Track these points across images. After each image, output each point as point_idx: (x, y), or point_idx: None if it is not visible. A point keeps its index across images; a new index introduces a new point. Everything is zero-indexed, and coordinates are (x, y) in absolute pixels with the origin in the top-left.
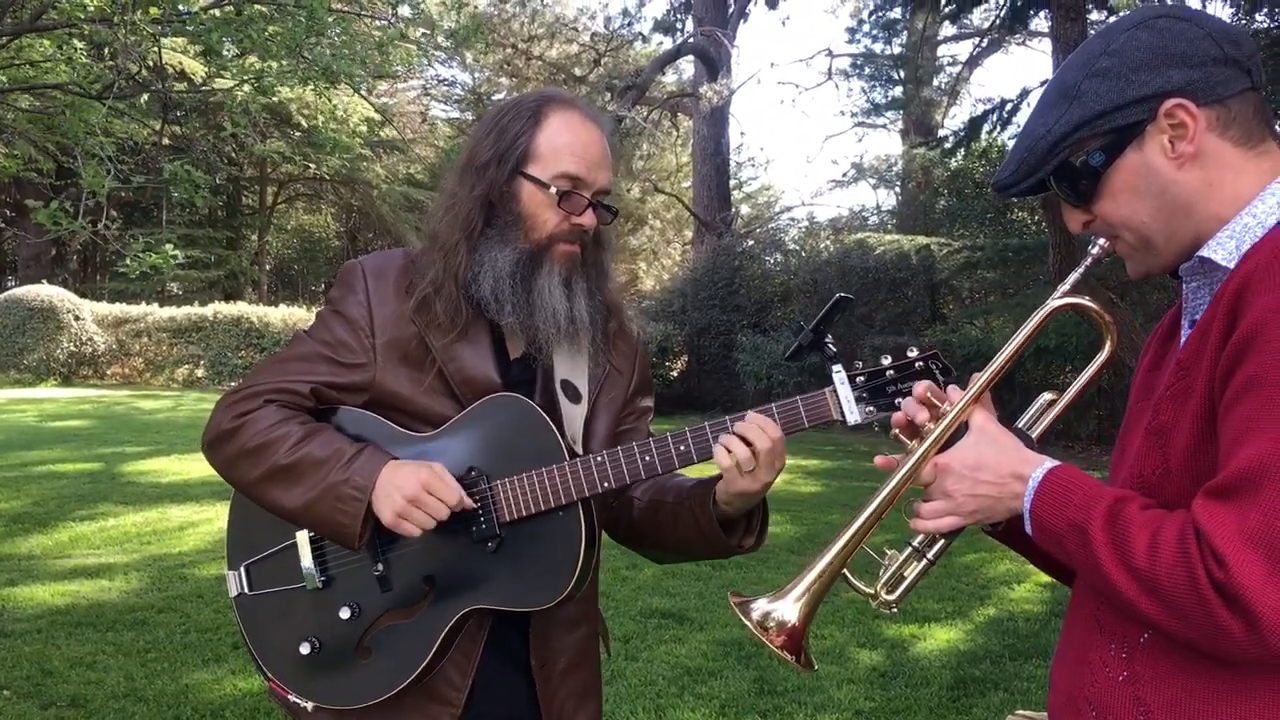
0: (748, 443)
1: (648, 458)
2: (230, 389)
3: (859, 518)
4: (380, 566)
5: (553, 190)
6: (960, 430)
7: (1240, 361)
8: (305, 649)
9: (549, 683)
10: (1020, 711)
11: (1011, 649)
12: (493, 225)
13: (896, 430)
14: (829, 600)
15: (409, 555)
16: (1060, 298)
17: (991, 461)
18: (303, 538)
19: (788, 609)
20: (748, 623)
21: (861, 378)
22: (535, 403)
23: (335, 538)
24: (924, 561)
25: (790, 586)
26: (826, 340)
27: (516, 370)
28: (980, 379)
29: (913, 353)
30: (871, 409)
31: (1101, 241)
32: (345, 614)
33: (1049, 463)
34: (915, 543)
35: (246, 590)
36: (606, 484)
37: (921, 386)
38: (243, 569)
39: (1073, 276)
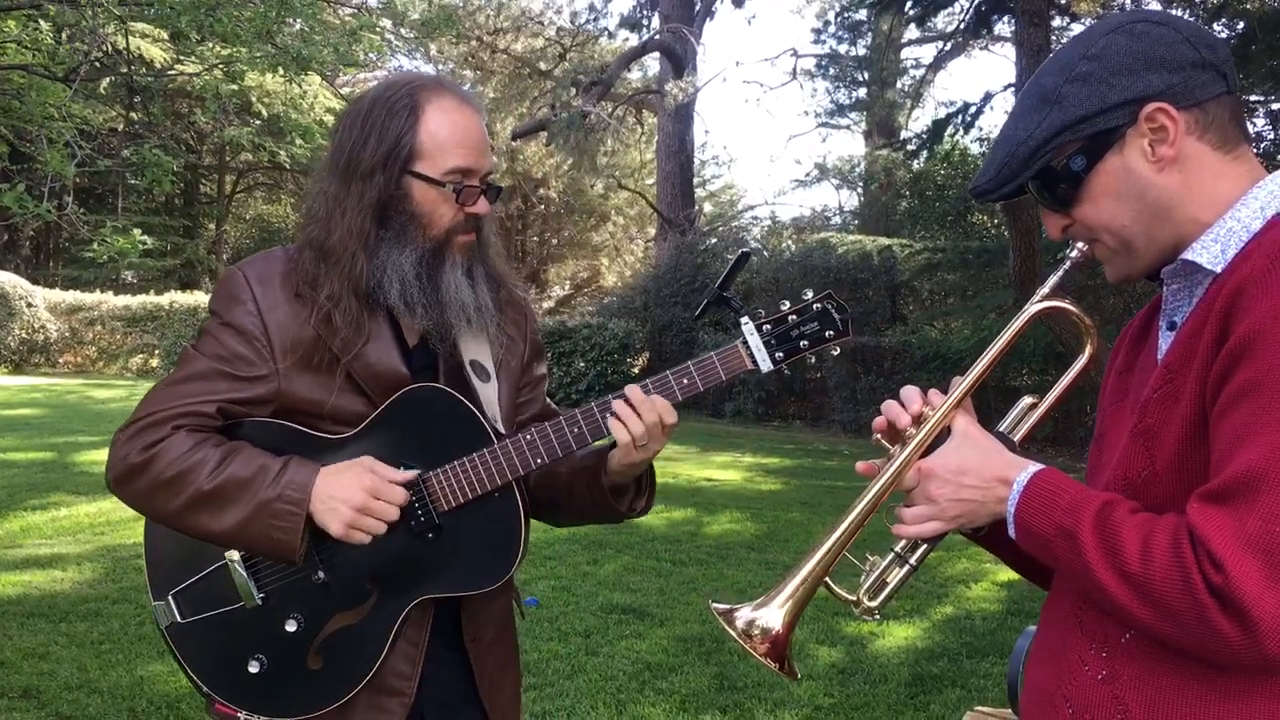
0: (640, 419)
1: (576, 429)
2: (127, 420)
3: (842, 523)
4: (321, 574)
5: (448, 187)
6: (943, 435)
7: (1236, 367)
8: (254, 667)
9: (480, 656)
10: (978, 708)
11: (969, 647)
12: (387, 228)
13: (878, 435)
14: None
15: (350, 558)
16: (1041, 301)
17: (975, 465)
18: (235, 557)
19: (772, 616)
20: (732, 631)
21: (768, 326)
22: (442, 385)
23: (272, 555)
24: (906, 567)
25: (773, 594)
26: (727, 296)
27: (418, 357)
28: (963, 383)
29: (808, 294)
30: (780, 354)
31: (1081, 245)
32: (291, 626)
33: (1034, 466)
34: (897, 548)
35: (179, 619)
36: (540, 460)
37: (910, 393)
38: (170, 598)
39: (1052, 280)
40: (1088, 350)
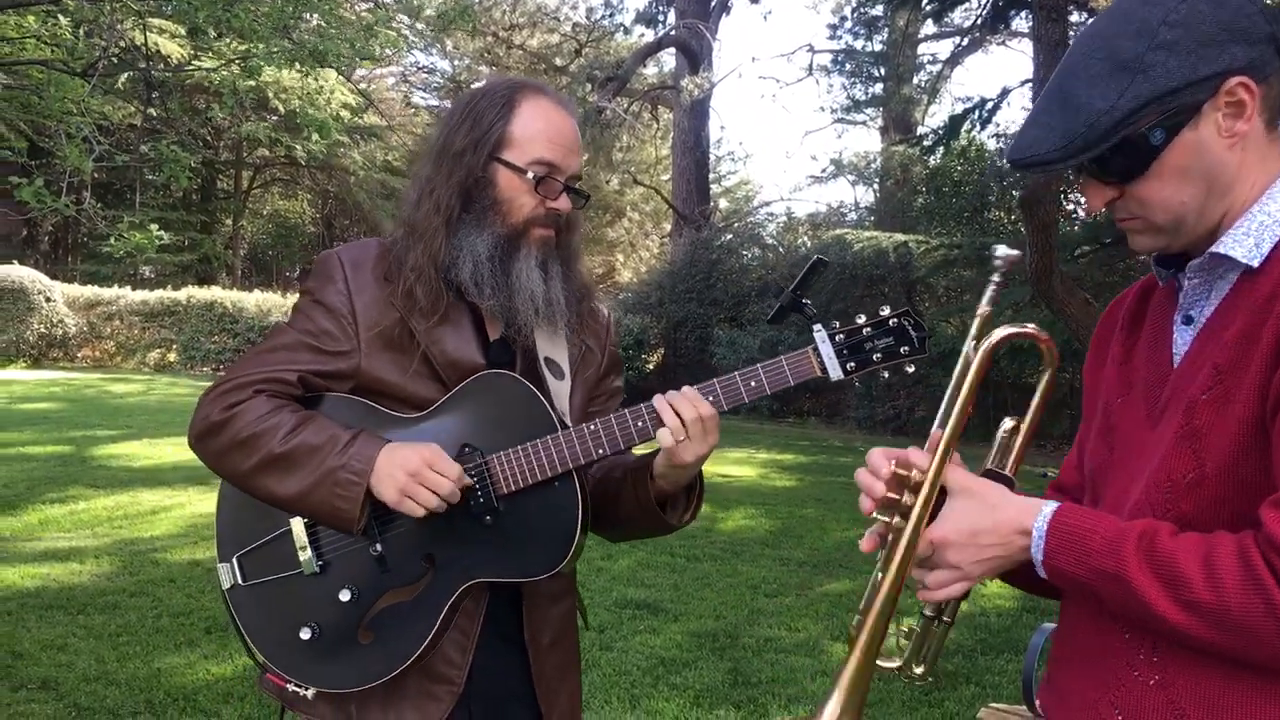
0: (678, 414)
1: (640, 423)
2: (215, 382)
3: (869, 620)
4: (378, 547)
5: (530, 175)
6: (942, 496)
7: None
8: (306, 634)
9: (539, 656)
10: (992, 705)
11: (983, 644)
12: (469, 211)
13: (875, 510)
14: (803, 593)
15: (407, 534)
16: (997, 335)
17: (988, 524)
18: (297, 524)
19: None
20: None
21: (840, 336)
22: (513, 373)
23: (332, 523)
24: (942, 624)
25: (822, 709)
26: (805, 302)
27: (497, 351)
28: (943, 438)
29: (885, 310)
30: (852, 365)
31: (1010, 252)
32: (345, 596)
33: (1046, 508)
34: (928, 611)
35: (240, 582)
36: (601, 451)
37: (880, 462)
38: (235, 561)
39: (983, 308)
40: (1047, 375)
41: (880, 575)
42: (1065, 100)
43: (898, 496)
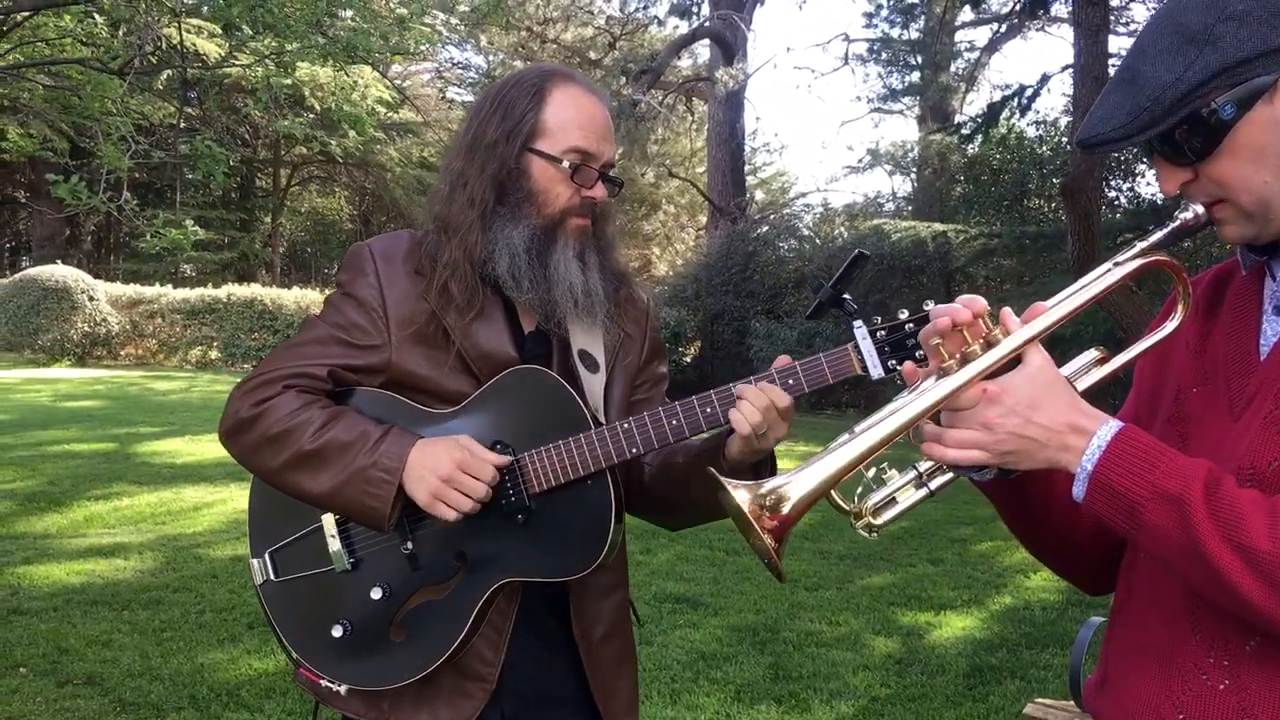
0: (758, 410)
1: (675, 421)
2: (245, 376)
3: (885, 425)
4: (409, 545)
5: (565, 164)
6: (1009, 365)
7: None
8: (338, 632)
9: (591, 652)
10: (1039, 700)
11: (1028, 638)
12: (504, 203)
13: (939, 339)
14: (843, 587)
15: (438, 532)
16: (1143, 257)
17: (1049, 405)
18: (329, 520)
19: (794, 491)
20: (739, 502)
21: (882, 332)
22: (545, 369)
23: (363, 521)
24: (923, 491)
25: (795, 477)
26: (846, 298)
27: (531, 344)
28: (1048, 315)
29: (929, 305)
30: (893, 362)
31: (1196, 207)
32: (377, 594)
33: (1113, 421)
34: (921, 468)
35: (272, 577)
36: (635, 450)
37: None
38: (267, 556)
39: (1157, 235)
40: (1180, 312)
41: (900, 404)
42: (1133, 78)
43: (970, 342)
